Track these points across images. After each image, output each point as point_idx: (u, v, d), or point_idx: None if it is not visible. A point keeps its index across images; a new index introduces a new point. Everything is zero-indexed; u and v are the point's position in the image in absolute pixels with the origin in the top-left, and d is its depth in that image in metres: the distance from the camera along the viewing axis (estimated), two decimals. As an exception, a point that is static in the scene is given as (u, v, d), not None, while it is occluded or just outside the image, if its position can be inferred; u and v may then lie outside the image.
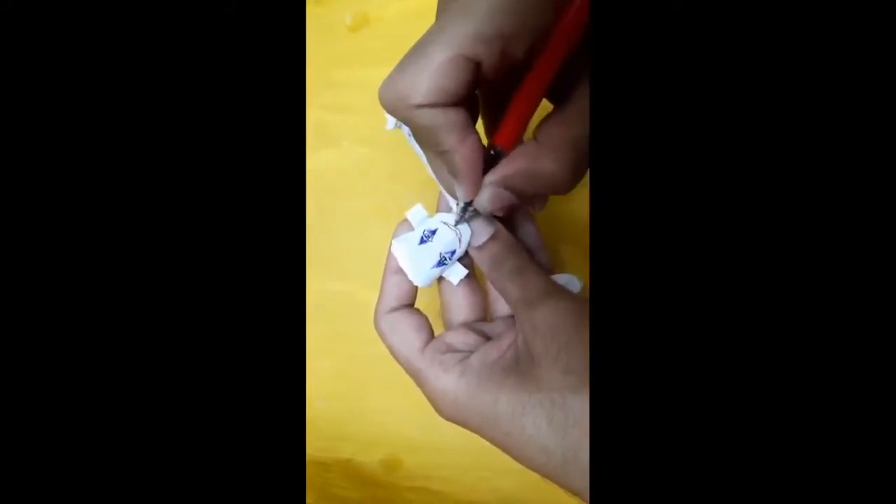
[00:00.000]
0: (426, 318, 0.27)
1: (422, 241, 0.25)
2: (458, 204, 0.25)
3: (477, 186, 0.23)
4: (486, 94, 0.25)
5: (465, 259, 0.26)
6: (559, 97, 0.22)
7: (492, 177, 0.23)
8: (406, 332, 0.26)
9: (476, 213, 0.25)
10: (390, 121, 0.26)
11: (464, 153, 0.21)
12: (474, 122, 0.23)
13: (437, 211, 0.27)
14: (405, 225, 0.26)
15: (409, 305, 0.27)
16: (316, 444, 0.39)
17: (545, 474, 0.22)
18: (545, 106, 0.23)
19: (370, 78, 0.41)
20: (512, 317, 0.26)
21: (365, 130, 0.41)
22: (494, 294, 0.28)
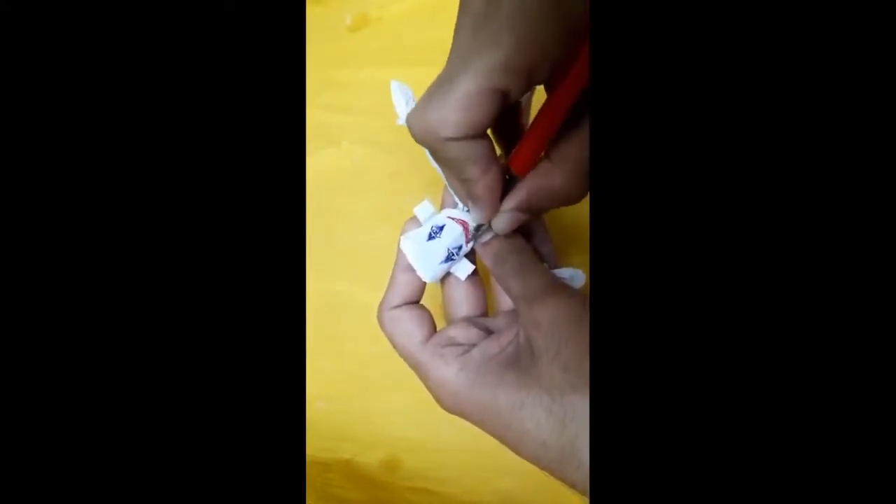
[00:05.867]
0: (429, 313, 0.27)
1: (430, 238, 0.25)
2: (471, 224, 0.25)
3: (494, 211, 0.24)
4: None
5: (470, 254, 0.26)
6: (573, 116, 0.23)
7: (510, 203, 0.23)
8: (408, 326, 0.26)
9: (488, 230, 0.25)
10: (401, 115, 0.26)
11: (485, 183, 0.22)
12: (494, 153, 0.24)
13: (442, 207, 0.27)
14: (413, 221, 0.26)
15: (414, 302, 0.27)
16: (316, 444, 0.39)
17: (543, 467, 0.22)
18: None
19: (370, 78, 0.42)
20: (514, 312, 0.26)
21: (365, 130, 0.41)
22: (498, 289, 0.28)
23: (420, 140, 0.21)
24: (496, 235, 0.25)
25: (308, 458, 0.38)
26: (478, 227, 0.25)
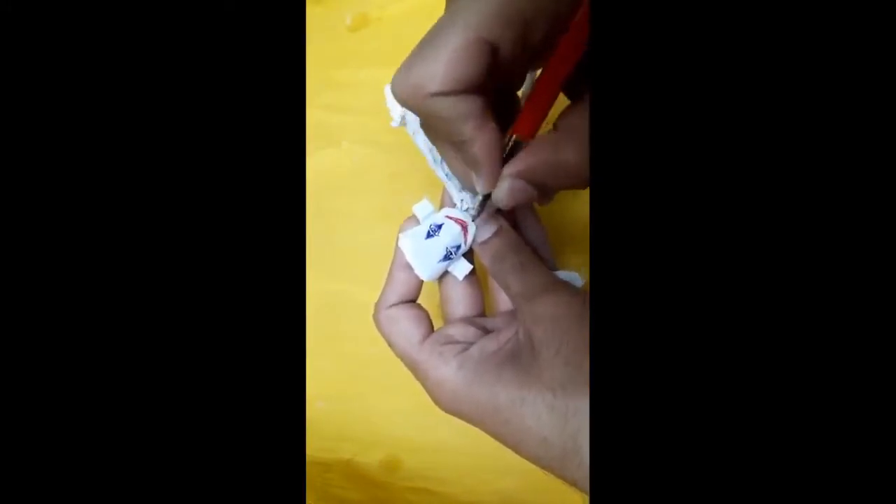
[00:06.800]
0: (426, 312, 0.26)
1: (428, 236, 0.25)
2: (474, 197, 0.24)
3: (496, 177, 0.22)
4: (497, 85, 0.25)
5: (468, 254, 0.26)
6: (577, 89, 0.22)
7: (512, 168, 0.22)
8: (405, 325, 0.25)
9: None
10: (395, 117, 0.26)
11: (483, 142, 0.20)
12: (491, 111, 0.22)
13: (441, 206, 0.27)
14: (412, 220, 0.26)
15: (411, 301, 0.27)
16: (316, 444, 0.39)
17: (544, 466, 0.22)
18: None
19: (370, 78, 0.42)
20: (512, 312, 0.26)
21: (365, 130, 0.41)
22: (495, 290, 0.28)
23: (405, 100, 0.20)
24: (495, 234, 0.25)
25: (308, 458, 0.38)
26: (484, 201, 0.24)
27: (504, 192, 0.22)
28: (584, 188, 0.23)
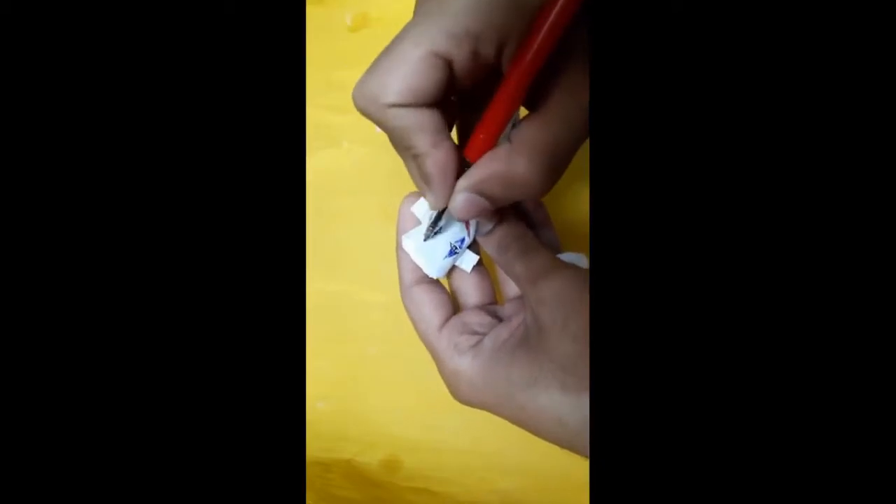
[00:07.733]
0: (446, 295, 0.27)
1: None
2: (432, 212, 0.24)
3: (448, 194, 0.22)
4: (463, 104, 0.24)
5: (473, 245, 0.27)
6: (535, 101, 0.22)
7: (464, 182, 0.22)
8: (426, 310, 0.26)
9: (451, 221, 0.25)
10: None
11: (435, 158, 0.21)
12: (451, 127, 0.22)
13: None
14: (409, 220, 0.26)
15: (431, 279, 0.27)
16: (316, 444, 0.39)
17: (565, 446, 0.22)
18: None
19: (370, 78, 0.41)
20: (521, 298, 0.26)
21: (365, 130, 0.41)
22: (505, 277, 0.28)
23: (362, 109, 0.20)
24: (497, 224, 0.25)
25: (308, 458, 0.38)
26: (437, 218, 0.24)
27: (459, 206, 0.22)
28: (537, 199, 0.22)
